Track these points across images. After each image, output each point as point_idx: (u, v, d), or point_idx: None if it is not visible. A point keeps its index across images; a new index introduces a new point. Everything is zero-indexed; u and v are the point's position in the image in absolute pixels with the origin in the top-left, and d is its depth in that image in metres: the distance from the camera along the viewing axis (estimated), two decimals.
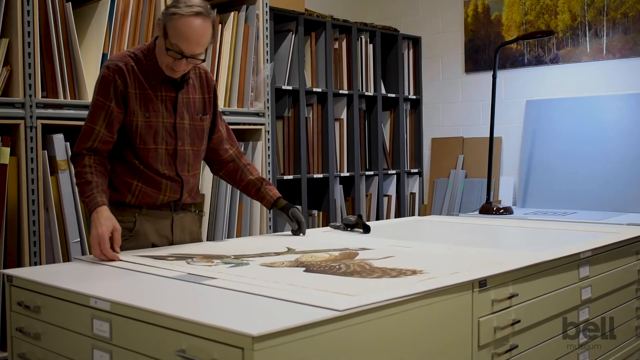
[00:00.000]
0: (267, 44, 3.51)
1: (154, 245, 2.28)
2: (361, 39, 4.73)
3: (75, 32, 2.77)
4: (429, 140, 5.24)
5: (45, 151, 2.67)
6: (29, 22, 2.60)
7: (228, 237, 3.28)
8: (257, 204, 3.39)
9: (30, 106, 2.60)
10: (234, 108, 3.37)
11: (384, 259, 1.97)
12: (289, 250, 2.15)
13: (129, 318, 1.46)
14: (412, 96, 5.15)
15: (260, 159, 3.44)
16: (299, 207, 2.50)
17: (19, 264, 2.58)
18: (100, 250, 1.99)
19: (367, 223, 2.69)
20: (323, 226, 3.89)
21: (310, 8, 4.48)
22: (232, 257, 2.02)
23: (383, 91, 4.95)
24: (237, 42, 3.40)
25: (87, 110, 2.73)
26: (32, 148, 2.60)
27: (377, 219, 4.85)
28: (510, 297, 1.87)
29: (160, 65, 2.21)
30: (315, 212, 4.41)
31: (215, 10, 2.20)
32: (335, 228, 2.77)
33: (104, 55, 2.87)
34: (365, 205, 4.80)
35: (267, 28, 3.50)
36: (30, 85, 2.61)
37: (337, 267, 1.84)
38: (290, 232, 2.59)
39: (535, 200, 4.46)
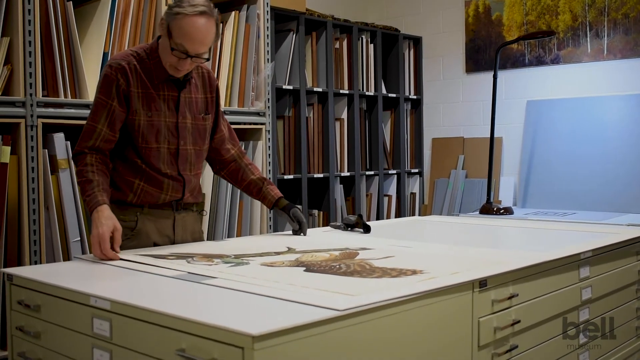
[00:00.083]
0: (267, 43, 3.51)
1: (155, 245, 2.28)
2: (362, 38, 4.73)
3: (76, 31, 2.77)
4: (430, 140, 5.24)
5: (46, 150, 2.67)
6: (29, 21, 2.60)
7: (228, 237, 3.28)
8: (257, 204, 3.39)
9: (31, 105, 2.60)
10: (235, 107, 3.37)
11: (384, 258, 1.97)
12: (289, 250, 2.15)
13: (129, 317, 1.46)
14: (412, 96, 5.15)
15: (260, 159, 3.44)
16: (299, 207, 2.50)
17: (19, 262, 2.59)
18: (100, 250, 1.99)
19: (368, 223, 2.69)
20: (323, 226, 3.89)
21: (311, 8, 4.48)
22: (233, 256, 2.02)
23: (384, 91, 4.95)
24: (238, 42, 3.40)
25: (88, 109, 2.74)
26: (32, 147, 2.60)
27: (378, 218, 4.85)
28: (510, 297, 1.87)
29: (164, 65, 2.21)
30: (315, 211, 4.41)
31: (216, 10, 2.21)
32: (335, 228, 2.77)
33: (105, 54, 2.87)
34: (365, 205, 4.80)
35: (268, 27, 3.50)
36: (31, 84, 2.61)
37: (338, 266, 1.84)
38: (290, 232, 2.59)
39: (535, 200, 4.46)
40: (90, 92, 2.80)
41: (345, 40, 4.60)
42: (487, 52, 4.88)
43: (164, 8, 3.04)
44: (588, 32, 4.40)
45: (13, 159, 2.58)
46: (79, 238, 2.74)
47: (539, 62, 4.62)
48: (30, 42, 2.60)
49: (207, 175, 3.16)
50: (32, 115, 2.60)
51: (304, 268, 1.82)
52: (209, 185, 3.21)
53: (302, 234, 2.53)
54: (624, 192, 4.10)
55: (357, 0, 5.40)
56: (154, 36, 3.03)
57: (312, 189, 4.45)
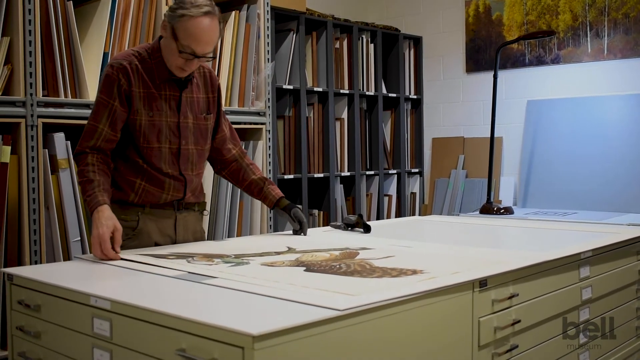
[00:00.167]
0: (268, 43, 3.51)
1: (157, 244, 2.28)
2: (362, 38, 4.73)
3: (76, 30, 2.77)
4: (430, 140, 5.24)
5: (46, 150, 2.67)
6: (30, 20, 2.60)
7: (228, 237, 3.28)
8: (257, 204, 3.39)
9: (31, 105, 2.60)
10: (235, 107, 3.37)
11: (385, 258, 1.97)
12: (290, 250, 2.15)
13: (130, 317, 1.46)
14: (413, 96, 5.14)
15: (260, 159, 3.44)
16: (300, 206, 2.50)
17: (20, 262, 2.59)
18: (101, 250, 1.99)
19: (368, 223, 2.69)
20: (323, 226, 3.89)
21: (311, 7, 4.48)
22: (233, 256, 2.02)
23: (384, 91, 4.95)
24: (238, 42, 3.40)
25: (88, 109, 2.75)
26: (32, 147, 2.60)
27: (378, 218, 4.85)
28: (510, 297, 1.87)
29: (169, 67, 2.21)
30: (315, 211, 4.41)
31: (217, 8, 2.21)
32: (335, 227, 2.77)
33: (105, 54, 2.87)
34: (365, 205, 4.80)
35: (268, 27, 3.50)
36: (31, 84, 2.61)
37: (338, 266, 1.84)
38: (290, 232, 2.59)
39: (535, 200, 4.46)
40: (91, 92, 2.80)
41: (346, 40, 4.60)
42: (487, 51, 4.88)
43: (164, 8, 3.04)
44: (588, 32, 4.40)
45: (13, 159, 2.58)
46: (79, 238, 2.74)
47: (539, 61, 4.62)
48: (30, 42, 2.60)
49: (208, 175, 3.16)
50: (32, 115, 2.60)
51: (304, 268, 1.82)
52: (209, 185, 3.21)
53: (302, 234, 2.53)
54: (624, 191, 4.10)
55: (358, 0, 5.40)
56: (154, 36, 3.03)
57: (313, 189, 4.45)
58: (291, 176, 4.15)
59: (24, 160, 2.58)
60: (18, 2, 2.57)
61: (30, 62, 2.61)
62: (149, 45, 2.28)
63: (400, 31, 5.08)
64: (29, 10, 2.60)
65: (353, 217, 2.70)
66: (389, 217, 4.96)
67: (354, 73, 4.61)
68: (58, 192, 2.69)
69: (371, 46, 4.82)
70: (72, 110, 2.74)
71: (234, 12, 3.38)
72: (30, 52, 2.60)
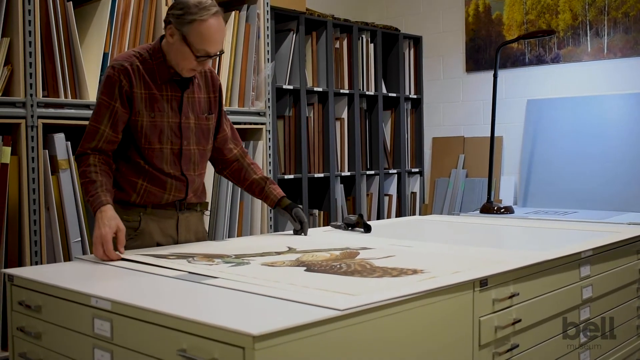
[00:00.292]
0: (268, 43, 3.51)
1: (159, 245, 2.28)
2: (362, 38, 4.73)
3: (76, 31, 2.77)
4: (430, 139, 5.24)
5: (46, 150, 2.67)
6: (30, 21, 2.60)
7: (229, 237, 3.28)
8: (258, 204, 3.39)
9: (31, 105, 2.60)
10: (235, 107, 3.37)
11: (385, 258, 1.97)
12: (290, 250, 2.15)
13: (130, 317, 1.46)
14: (413, 95, 5.14)
15: (261, 159, 3.44)
16: (300, 206, 2.51)
17: (20, 263, 2.59)
18: (102, 250, 1.99)
19: (368, 222, 2.69)
20: (324, 225, 3.89)
21: (311, 7, 4.48)
22: (233, 256, 2.02)
23: (384, 90, 4.95)
24: (238, 42, 3.40)
25: (89, 110, 2.75)
26: (33, 147, 2.60)
27: (378, 218, 4.85)
28: (511, 297, 1.87)
29: (178, 70, 2.21)
30: (316, 211, 4.41)
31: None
32: (336, 227, 2.77)
33: (105, 55, 2.87)
34: (366, 205, 4.80)
35: (268, 27, 3.50)
36: (31, 84, 2.61)
37: (338, 266, 1.84)
38: (291, 232, 2.59)
39: (536, 199, 4.46)
40: (91, 92, 2.80)
41: (346, 39, 4.60)
42: (487, 51, 4.87)
43: (164, 8, 3.04)
44: (588, 31, 4.40)
45: (13, 160, 2.58)
46: (80, 238, 2.74)
47: (539, 61, 4.62)
48: (30, 42, 2.60)
49: (208, 175, 3.15)
50: (32, 116, 2.60)
51: (305, 268, 1.82)
52: (210, 185, 3.21)
53: (303, 233, 2.53)
54: (624, 190, 4.10)
55: (357, 0, 5.40)
56: (154, 36, 3.03)
57: (313, 189, 4.45)
58: (291, 176, 4.15)
59: (24, 161, 2.58)
60: (18, 2, 2.57)
61: (30, 63, 2.61)
62: (150, 45, 2.28)
63: (400, 31, 5.08)
64: (29, 10, 2.60)
65: (353, 217, 2.70)
66: (389, 216, 4.96)
67: (354, 73, 4.61)
68: (58, 192, 2.69)
69: (371, 46, 4.82)
70: (72, 110, 2.74)
71: (234, 12, 3.38)
72: (30, 53, 2.60)
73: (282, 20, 4.21)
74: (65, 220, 2.70)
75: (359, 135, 4.66)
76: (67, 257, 2.69)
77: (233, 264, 1.89)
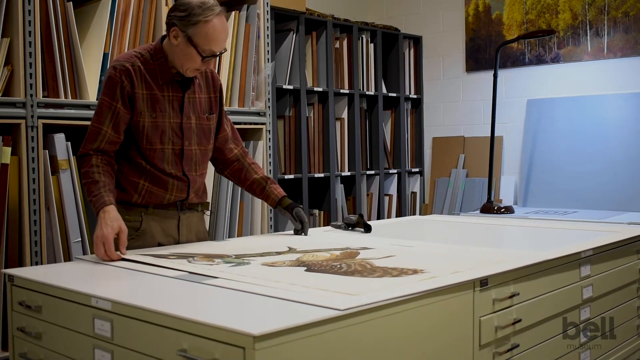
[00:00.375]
0: (268, 43, 3.51)
1: (160, 245, 2.28)
2: (362, 38, 4.73)
3: (76, 31, 2.77)
4: (430, 139, 5.24)
5: (47, 151, 2.67)
6: (30, 21, 2.60)
7: (229, 237, 3.28)
8: (258, 204, 3.39)
9: (32, 106, 2.60)
10: (235, 107, 3.37)
11: (385, 258, 1.97)
12: (290, 250, 2.16)
13: (130, 318, 1.46)
14: (413, 95, 5.14)
15: (261, 159, 3.44)
16: (301, 206, 2.51)
17: (20, 263, 2.59)
18: (104, 250, 1.99)
19: (368, 222, 2.69)
20: (324, 225, 3.89)
21: (311, 7, 4.48)
22: (233, 256, 2.02)
23: (384, 90, 4.95)
24: (238, 42, 3.40)
25: (89, 110, 2.75)
26: (33, 148, 2.60)
27: (378, 218, 4.85)
28: (511, 297, 1.87)
29: (182, 71, 2.21)
30: (316, 211, 4.41)
31: None
32: (336, 227, 2.77)
33: (105, 55, 2.87)
34: (366, 205, 4.80)
35: (268, 27, 3.50)
36: (31, 84, 2.61)
37: (338, 266, 1.84)
38: (291, 232, 2.59)
39: (536, 199, 4.46)
40: (91, 92, 2.80)
41: (346, 39, 4.60)
42: (487, 51, 4.87)
43: (164, 9, 3.04)
44: (588, 31, 4.40)
45: (14, 160, 2.58)
46: (80, 238, 2.74)
47: (539, 61, 4.62)
48: (30, 42, 2.60)
49: (208, 175, 3.15)
50: (32, 116, 2.60)
51: (305, 268, 1.82)
52: (210, 185, 3.21)
53: (303, 233, 2.53)
54: (624, 190, 4.10)
55: (357, 0, 5.40)
56: (154, 36, 3.03)
57: (313, 189, 4.45)
58: (291, 176, 4.15)
59: (24, 161, 2.58)
60: (18, 3, 2.57)
61: (30, 63, 2.61)
62: (151, 46, 2.28)
63: (400, 31, 5.08)
64: (29, 11, 2.60)
65: (354, 217, 2.71)
66: (389, 216, 4.96)
67: (354, 73, 4.61)
68: (58, 192, 2.69)
69: (371, 46, 4.82)
70: (72, 111, 2.74)
71: (234, 12, 3.38)
72: (30, 53, 2.60)
73: (282, 20, 4.21)
74: (65, 221, 2.70)
75: (359, 135, 4.66)
76: (68, 257, 2.69)
77: (233, 264, 1.89)
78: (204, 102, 2.36)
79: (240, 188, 3.12)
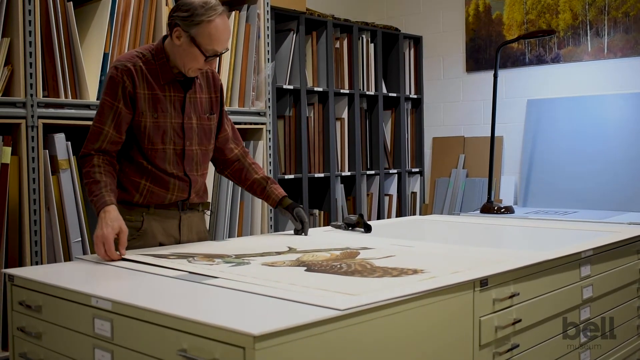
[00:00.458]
0: (268, 43, 3.51)
1: (161, 245, 2.28)
2: (362, 38, 4.73)
3: (76, 31, 2.77)
4: (430, 139, 5.24)
5: (47, 150, 2.67)
6: (30, 21, 2.60)
7: (229, 237, 3.28)
8: (258, 203, 3.39)
9: (32, 105, 2.61)
10: (235, 107, 3.37)
11: (385, 258, 1.97)
12: (290, 250, 2.16)
13: (131, 317, 1.46)
14: (413, 95, 5.14)
15: (261, 159, 3.44)
16: (302, 206, 2.52)
17: (21, 263, 2.59)
18: (104, 251, 1.99)
19: (368, 222, 2.69)
20: (324, 225, 3.89)
21: (311, 7, 4.48)
22: (233, 256, 2.02)
23: (384, 90, 4.95)
24: (238, 42, 3.41)
25: (89, 110, 2.75)
26: (33, 147, 2.60)
27: (378, 218, 4.85)
28: (511, 297, 1.87)
29: (185, 71, 2.21)
30: (316, 211, 4.41)
31: None
32: (336, 227, 2.77)
33: (105, 55, 2.88)
34: (366, 205, 4.80)
35: (268, 27, 3.50)
36: (31, 84, 2.61)
37: (338, 266, 1.84)
38: (291, 232, 2.59)
39: (536, 199, 4.46)
40: (91, 92, 2.80)
41: (346, 39, 4.60)
42: (487, 51, 4.87)
43: (164, 9, 3.04)
44: (588, 31, 4.40)
45: (14, 160, 2.58)
46: (80, 238, 2.74)
47: (540, 61, 4.62)
48: (30, 42, 2.60)
49: (209, 175, 3.16)
50: (32, 116, 2.60)
51: (305, 268, 1.82)
52: (210, 185, 3.21)
53: (303, 233, 2.53)
54: (624, 190, 4.10)
55: (358, 0, 5.40)
56: (154, 36, 3.03)
57: (313, 189, 4.45)
58: (292, 176, 4.15)
59: (24, 161, 2.58)
60: (18, 2, 2.57)
61: (31, 63, 2.61)
62: (152, 46, 2.28)
63: (400, 31, 5.08)
64: (29, 11, 2.60)
65: (354, 217, 2.71)
66: (389, 216, 4.96)
67: (354, 73, 4.61)
68: (59, 192, 2.69)
69: (371, 46, 4.82)
70: (73, 110, 2.74)
71: (234, 12, 3.38)
72: (30, 53, 2.60)
73: (282, 20, 4.21)
74: (65, 220, 2.70)
75: (359, 135, 4.66)
76: (68, 257, 2.69)
77: (233, 264, 1.89)
78: (204, 102, 2.36)
79: (240, 188, 3.12)
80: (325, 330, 1.33)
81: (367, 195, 4.85)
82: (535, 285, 1.98)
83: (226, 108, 3.27)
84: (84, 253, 2.73)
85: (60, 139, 2.71)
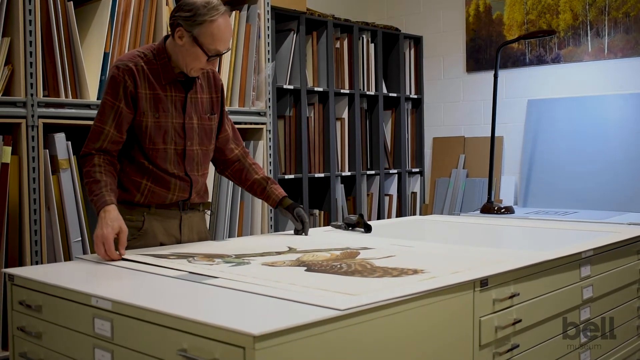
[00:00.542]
0: (268, 43, 3.51)
1: (162, 245, 2.28)
2: (362, 38, 4.73)
3: (76, 31, 2.77)
4: (430, 139, 5.24)
5: (47, 150, 2.68)
6: (30, 21, 2.60)
7: (229, 236, 3.28)
8: (258, 204, 3.39)
9: (32, 105, 2.61)
10: (236, 107, 3.37)
11: (385, 258, 1.97)
12: (290, 250, 2.16)
13: (131, 317, 1.46)
14: (413, 95, 5.14)
15: (261, 159, 3.44)
16: (302, 206, 2.52)
17: (21, 263, 2.59)
18: (104, 250, 1.99)
19: (369, 222, 2.69)
20: (324, 225, 3.89)
21: (311, 7, 4.48)
22: (234, 256, 2.02)
23: (384, 90, 4.95)
24: (239, 42, 3.41)
25: (89, 109, 2.75)
26: (33, 147, 2.60)
27: (378, 218, 4.85)
28: (511, 297, 1.87)
29: (187, 71, 2.21)
30: (316, 211, 4.41)
31: None
32: (336, 227, 2.77)
33: (106, 55, 2.88)
34: (366, 205, 4.80)
35: (268, 27, 3.50)
36: (31, 84, 2.61)
37: (338, 266, 1.84)
38: (291, 232, 2.59)
39: (536, 199, 4.46)
40: (91, 92, 2.80)
41: (346, 39, 4.60)
42: (487, 51, 4.87)
43: (164, 8, 3.04)
44: (589, 31, 4.40)
45: (14, 159, 2.58)
46: (80, 238, 2.74)
47: (540, 61, 4.62)
48: (31, 42, 2.60)
49: (209, 175, 3.16)
50: (32, 116, 2.61)
51: (305, 268, 1.82)
52: (210, 185, 3.21)
53: (303, 233, 2.53)
54: (624, 191, 4.10)
55: (358, 0, 5.40)
56: (154, 36, 3.04)
57: (313, 189, 4.45)
58: (292, 176, 4.15)
59: (24, 161, 2.58)
60: (18, 2, 2.57)
61: (31, 63, 2.61)
62: (154, 46, 2.28)
63: (400, 31, 5.08)
64: (30, 10, 2.60)
65: (354, 217, 2.71)
66: (389, 216, 4.96)
67: (354, 73, 4.61)
68: (59, 192, 2.69)
69: (371, 46, 4.82)
70: (73, 110, 2.74)
71: (234, 13, 3.38)
72: (30, 53, 2.60)
73: (282, 20, 4.21)
74: (65, 220, 2.70)
75: (359, 135, 4.66)
76: (68, 257, 2.69)
77: (233, 263, 1.89)
78: (205, 103, 2.36)
79: (240, 188, 3.12)
80: (325, 330, 1.33)
81: (367, 195, 4.85)
82: (535, 286, 1.98)
83: (226, 108, 3.27)
84: (84, 253, 2.73)
85: (60, 138, 2.71)
